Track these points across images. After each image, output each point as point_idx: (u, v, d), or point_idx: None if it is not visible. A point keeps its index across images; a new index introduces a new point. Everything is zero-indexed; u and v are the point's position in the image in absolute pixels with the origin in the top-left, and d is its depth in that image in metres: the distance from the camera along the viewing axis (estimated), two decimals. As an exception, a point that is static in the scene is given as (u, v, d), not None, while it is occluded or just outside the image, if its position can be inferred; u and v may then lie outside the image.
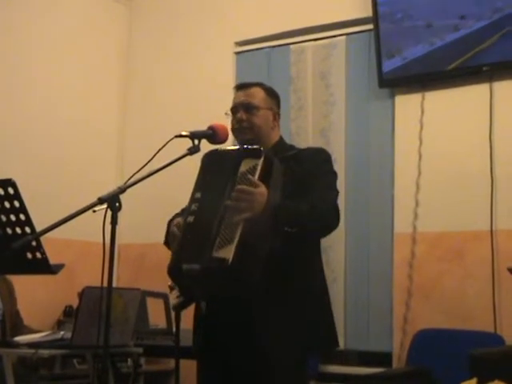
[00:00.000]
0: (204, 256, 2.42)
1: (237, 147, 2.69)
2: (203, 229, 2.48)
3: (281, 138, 2.91)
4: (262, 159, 2.50)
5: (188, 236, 2.54)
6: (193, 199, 2.58)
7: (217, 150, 2.69)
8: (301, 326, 2.64)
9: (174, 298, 2.67)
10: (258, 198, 2.44)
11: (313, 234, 2.73)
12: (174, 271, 2.55)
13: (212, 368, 2.76)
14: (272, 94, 2.91)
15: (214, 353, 2.71)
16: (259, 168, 2.48)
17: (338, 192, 2.78)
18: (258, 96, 2.84)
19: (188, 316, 2.80)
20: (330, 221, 2.67)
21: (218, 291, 2.55)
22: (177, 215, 2.79)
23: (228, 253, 2.38)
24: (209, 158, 2.66)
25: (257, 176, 2.47)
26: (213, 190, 2.56)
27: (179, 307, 2.70)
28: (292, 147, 2.92)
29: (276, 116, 2.88)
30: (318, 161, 2.80)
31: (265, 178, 2.49)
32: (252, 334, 2.58)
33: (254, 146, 2.58)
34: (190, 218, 2.54)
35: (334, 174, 2.82)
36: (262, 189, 2.46)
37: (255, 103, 2.81)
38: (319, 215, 2.61)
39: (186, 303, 2.67)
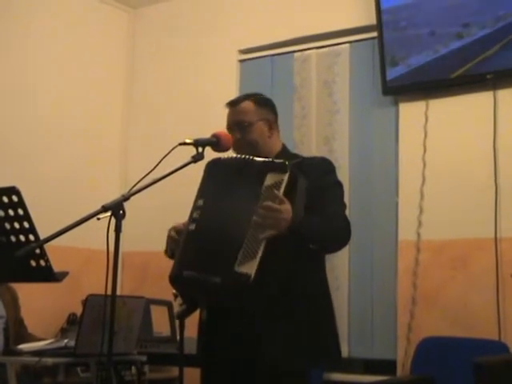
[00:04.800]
0: (226, 269, 2.40)
1: (262, 159, 2.60)
2: (218, 239, 2.47)
3: (284, 147, 2.90)
4: (287, 174, 2.47)
5: (191, 244, 2.53)
6: (195, 207, 2.57)
7: (220, 158, 2.67)
8: (305, 338, 2.63)
9: (177, 306, 2.67)
10: (283, 215, 2.42)
11: (329, 251, 2.76)
12: (176, 279, 2.54)
13: (215, 377, 2.76)
14: (263, 104, 2.87)
15: (218, 362, 2.70)
16: (284, 183, 2.46)
17: (346, 206, 2.79)
18: (248, 111, 2.80)
19: (192, 324, 2.79)
20: (346, 238, 2.70)
21: (229, 303, 2.54)
22: None
23: (251, 268, 2.37)
24: (218, 167, 2.64)
25: (281, 192, 2.45)
26: (227, 199, 2.54)
27: (182, 315, 2.70)
28: (296, 156, 2.90)
29: (272, 124, 2.85)
30: (324, 171, 2.79)
31: (289, 193, 2.47)
32: (255, 345, 2.57)
33: (280, 160, 2.53)
34: (192, 226, 2.54)
35: (341, 186, 2.82)
36: (287, 206, 2.44)
37: (246, 120, 2.78)
38: (338, 233, 2.66)
39: (189, 311, 2.66)
